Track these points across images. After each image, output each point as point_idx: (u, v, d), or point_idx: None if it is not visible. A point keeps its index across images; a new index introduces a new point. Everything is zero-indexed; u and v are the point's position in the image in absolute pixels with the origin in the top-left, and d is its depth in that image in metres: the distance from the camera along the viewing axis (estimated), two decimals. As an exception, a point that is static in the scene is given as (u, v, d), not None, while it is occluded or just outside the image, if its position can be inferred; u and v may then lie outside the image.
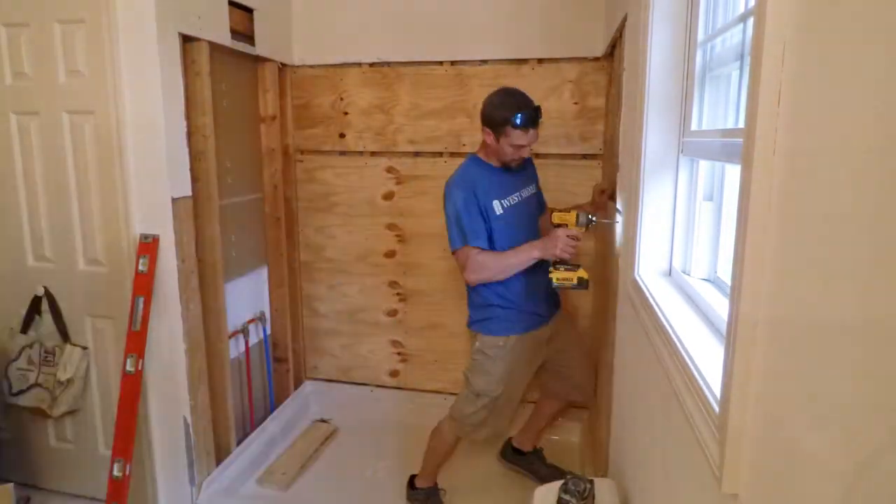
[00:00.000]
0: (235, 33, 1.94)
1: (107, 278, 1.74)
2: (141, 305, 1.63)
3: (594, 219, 1.63)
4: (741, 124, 0.65)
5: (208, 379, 1.88)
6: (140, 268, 1.63)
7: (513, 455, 2.11)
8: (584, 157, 2.20)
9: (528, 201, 1.78)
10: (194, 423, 1.80)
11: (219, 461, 1.96)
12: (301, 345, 2.57)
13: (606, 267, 1.88)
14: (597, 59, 2.12)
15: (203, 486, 1.87)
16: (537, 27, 2.14)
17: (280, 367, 2.43)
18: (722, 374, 0.66)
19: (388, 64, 2.29)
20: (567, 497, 1.25)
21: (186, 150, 1.72)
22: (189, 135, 1.73)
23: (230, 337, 2.03)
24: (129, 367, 1.63)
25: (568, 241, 1.57)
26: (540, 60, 2.16)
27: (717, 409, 0.68)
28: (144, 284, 1.63)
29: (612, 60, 1.98)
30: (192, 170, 1.75)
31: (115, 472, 1.61)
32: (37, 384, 1.77)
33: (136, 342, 1.64)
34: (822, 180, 0.49)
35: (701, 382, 0.76)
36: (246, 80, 2.07)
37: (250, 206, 2.17)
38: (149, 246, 1.63)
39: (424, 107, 2.29)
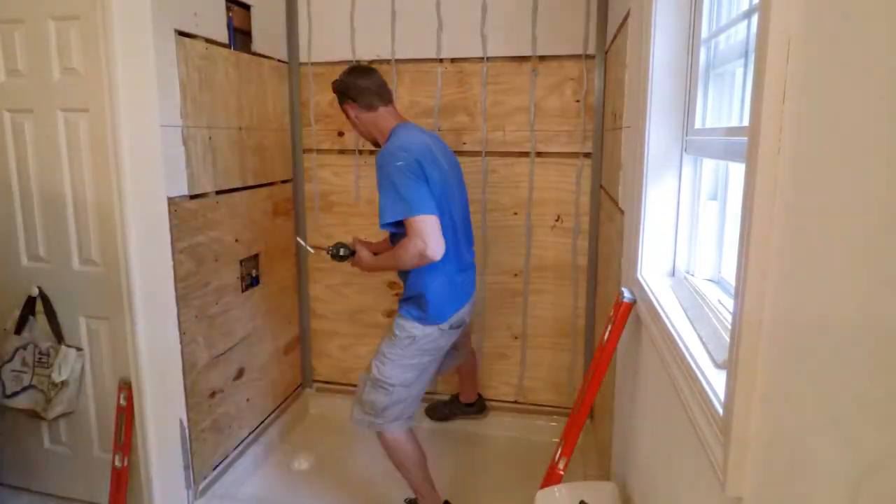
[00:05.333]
0: (233, 30, 1.92)
1: (102, 278, 1.72)
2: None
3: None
4: (745, 122, 0.64)
5: (206, 380, 1.87)
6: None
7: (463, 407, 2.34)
8: (587, 155, 2.19)
9: None
10: (191, 425, 1.79)
11: (216, 464, 1.95)
12: (301, 346, 2.56)
13: (608, 267, 1.87)
14: (602, 56, 2.11)
15: (200, 489, 1.85)
16: (539, 24, 2.13)
17: (280, 367, 2.41)
18: (726, 376, 0.65)
19: (388, 61, 2.28)
20: None
21: (183, 148, 1.71)
22: (185, 133, 1.72)
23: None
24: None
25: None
26: (541, 58, 2.15)
27: (720, 411, 0.67)
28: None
29: (607, 57, 1.97)
30: (188, 168, 1.73)
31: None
32: (31, 386, 1.75)
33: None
34: (827, 179, 0.48)
35: (704, 384, 0.75)
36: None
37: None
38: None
39: (424, 104, 2.28)
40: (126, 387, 1.70)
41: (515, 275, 2.32)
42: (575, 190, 2.21)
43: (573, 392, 2.35)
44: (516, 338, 2.36)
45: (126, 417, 1.70)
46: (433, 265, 1.58)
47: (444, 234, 1.55)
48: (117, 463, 1.71)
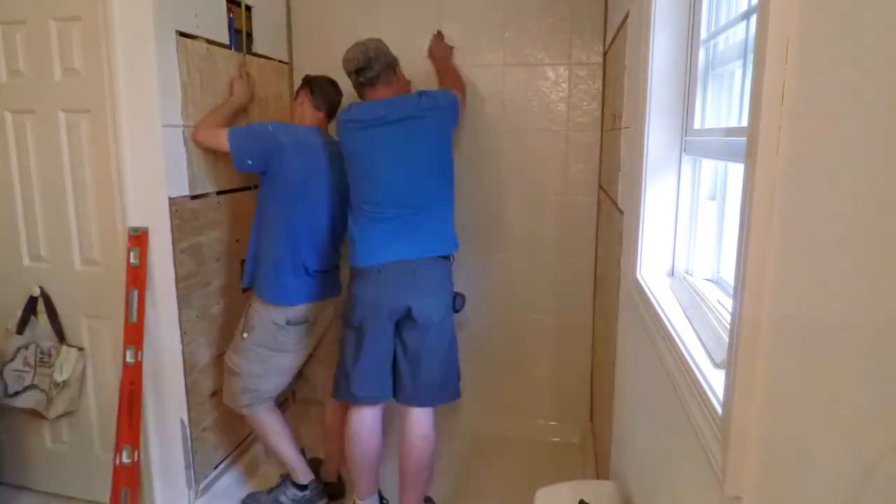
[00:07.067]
0: (234, 31, 1.93)
1: (103, 278, 1.73)
2: (135, 298, 1.63)
3: None
4: (744, 123, 0.64)
5: (207, 380, 1.87)
6: (132, 261, 1.63)
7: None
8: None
9: None
10: (192, 425, 1.79)
11: (217, 463, 1.95)
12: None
13: (607, 267, 1.87)
14: (601, 57, 2.11)
15: (201, 488, 1.86)
16: (539, 26, 2.13)
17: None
18: (725, 376, 0.65)
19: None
20: None
21: (184, 148, 1.71)
22: (186, 133, 1.72)
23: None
24: (129, 359, 1.64)
25: None
26: (543, 62, 2.16)
27: (720, 410, 0.67)
28: (137, 277, 1.63)
29: (606, 58, 1.98)
30: (189, 169, 1.73)
31: (125, 459, 1.64)
32: (33, 385, 1.75)
33: (134, 334, 1.64)
34: (825, 179, 0.48)
35: (704, 384, 0.75)
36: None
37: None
38: (139, 238, 1.64)
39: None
40: (127, 386, 1.70)
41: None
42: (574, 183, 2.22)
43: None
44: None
45: (127, 417, 1.69)
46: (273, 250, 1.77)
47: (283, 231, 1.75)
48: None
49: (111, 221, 1.69)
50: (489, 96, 2.22)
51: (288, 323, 1.76)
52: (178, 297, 1.71)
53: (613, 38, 1.84)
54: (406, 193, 1.64)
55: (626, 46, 1.51)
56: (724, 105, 1.05)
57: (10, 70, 1.69)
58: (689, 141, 1.15)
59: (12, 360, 1.76)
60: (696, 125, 1.13)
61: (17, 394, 1.76)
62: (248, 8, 2.04)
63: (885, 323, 0.39)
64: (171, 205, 1.66)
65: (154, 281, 1.68)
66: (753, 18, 0.79)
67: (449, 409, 2.41)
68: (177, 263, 1.70)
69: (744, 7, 0.93)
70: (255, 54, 2.09)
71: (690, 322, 0.96)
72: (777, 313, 0.56)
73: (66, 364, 1.74)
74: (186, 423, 1.77)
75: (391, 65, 1.73)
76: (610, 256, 1.78)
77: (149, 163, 1.63)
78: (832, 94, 0.48)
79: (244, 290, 1.91)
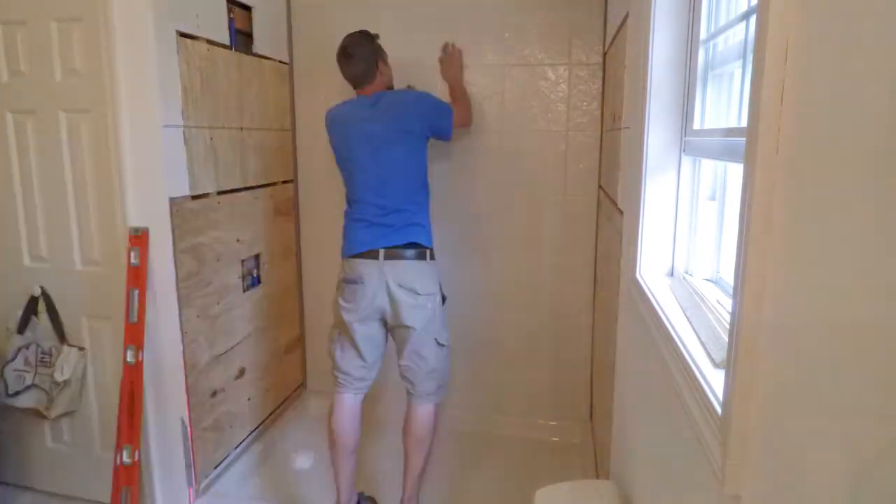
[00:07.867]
0: (234, 31, 1.93)
1: (104, 278, 1.73)
2: (136, 298, 1.63)
3: None
4: (744, 123, 0.64)
5: (207, 380, 1.87)
6: (132, 261, 1.63)
7: None
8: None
9: None
10: (192, 424, 1.79)
11: (217, 463, 1.95)
12: (302, 345, 2.56)
13: (607, 267, 1.87)
14: (601, 58, 2.11)
15: (201, 487, 1.86)
16: (539, 26, 2.13)
17: (281, 367, 2.42)
18: (724, 376, 0.65)
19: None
20: None
21: (184, 148, 1.71)
22: (187, 133, 1.72)
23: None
24: (129, 359, 1.65)
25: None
26: (543, 62, 2.16)
27: (719, 410, 0.67)
28: (138, 277, 1.63)
29: (606, 58, 1.98)
30: (190, 169, 1.74)
31: (125, 459, 1.65)
32: (33, 385, 1.76)
33: (135, 334, 1.64)
34: (825, 179, 0.48)
35: (703, 383, 0.75)
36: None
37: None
38: (139, 238, 1.64)
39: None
40: (128, 386, 1.71)
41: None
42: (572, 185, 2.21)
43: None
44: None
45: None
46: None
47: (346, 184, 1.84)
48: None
49: (112, 221, 1.69)
50: (489, 96, 2.22)
51: None
52: (178, 297, 1.71)
53: (613, 39, 1.84)
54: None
55: (625, 47, 1.51)
56: (724, 105, 1.05)
57: (11, 70, 1.70)
58: (689, 141, 1.15)
59: (13, 359, 1.76)
60: (696, 125, 1.13)
61: (17, 393, 1.76)
62: (249, 8, 2.04)
63: (885, 323, 0.39)
64: (171, 205, 1.66)
65: (154, 281, 1.68)
66: (753, 18, 0.79)
67: (449, 408, 2.41)
68: (177, 263, 1.70)
69: (744, 7, 0.93)
70: (255, 54, 2.09)
71: (690, 322, 0.96)
72: (777, 313, 0.56)
73: (66, 364, 1.74)
74: (186, 422, 1.78)
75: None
76: (610, 256, 1.78)
77: (149, 163, 1.63)
78: (832, 93, 0.48)
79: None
